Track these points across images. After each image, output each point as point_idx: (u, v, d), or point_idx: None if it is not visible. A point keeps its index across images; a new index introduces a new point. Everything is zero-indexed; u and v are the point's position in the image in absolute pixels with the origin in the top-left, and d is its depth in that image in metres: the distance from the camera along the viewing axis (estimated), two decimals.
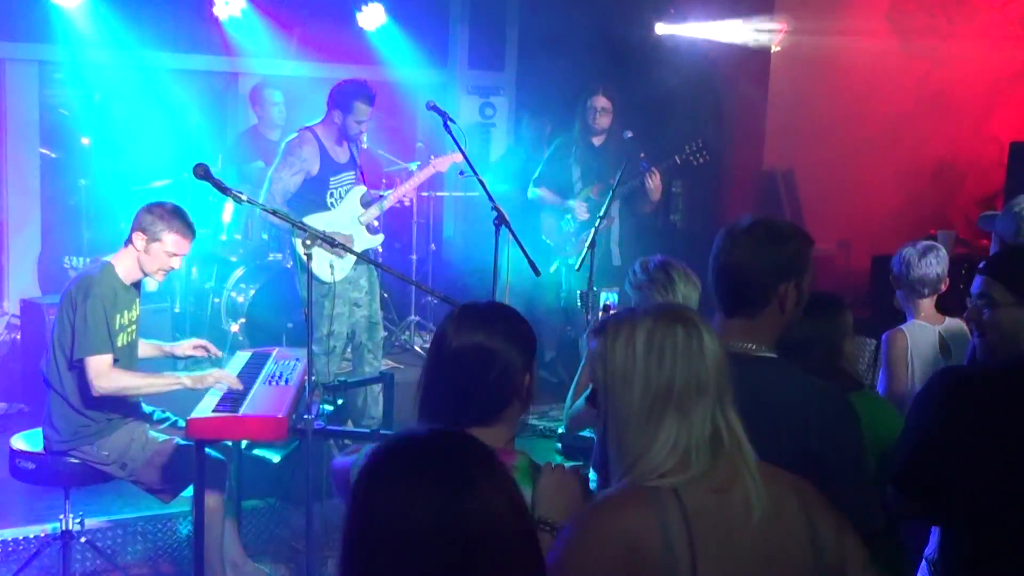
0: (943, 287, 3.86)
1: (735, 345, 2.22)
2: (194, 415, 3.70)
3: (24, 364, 5.93)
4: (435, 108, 4.82)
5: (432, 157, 6.19)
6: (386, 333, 6.70)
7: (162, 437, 4.06)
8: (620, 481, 1.77)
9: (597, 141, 5.99)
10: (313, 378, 3.72)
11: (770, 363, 2.22)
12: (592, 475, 2.89)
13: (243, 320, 6.44)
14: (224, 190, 3.63)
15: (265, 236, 6.80)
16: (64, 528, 4.04)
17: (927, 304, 3.86)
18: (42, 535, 4.33)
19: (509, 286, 5.64)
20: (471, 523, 1.30)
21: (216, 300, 6.59)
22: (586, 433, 4.36)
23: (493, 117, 8.43)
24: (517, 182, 6.83)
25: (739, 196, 7.01)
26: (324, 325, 5.30)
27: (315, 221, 5.03)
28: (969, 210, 6.72)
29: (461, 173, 5.15)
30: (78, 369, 3.85)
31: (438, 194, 7.89)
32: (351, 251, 4.29)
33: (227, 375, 3.99)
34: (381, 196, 5.61)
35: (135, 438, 4.02)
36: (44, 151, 7.11)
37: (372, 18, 7.42)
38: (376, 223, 5.78)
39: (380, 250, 6.42)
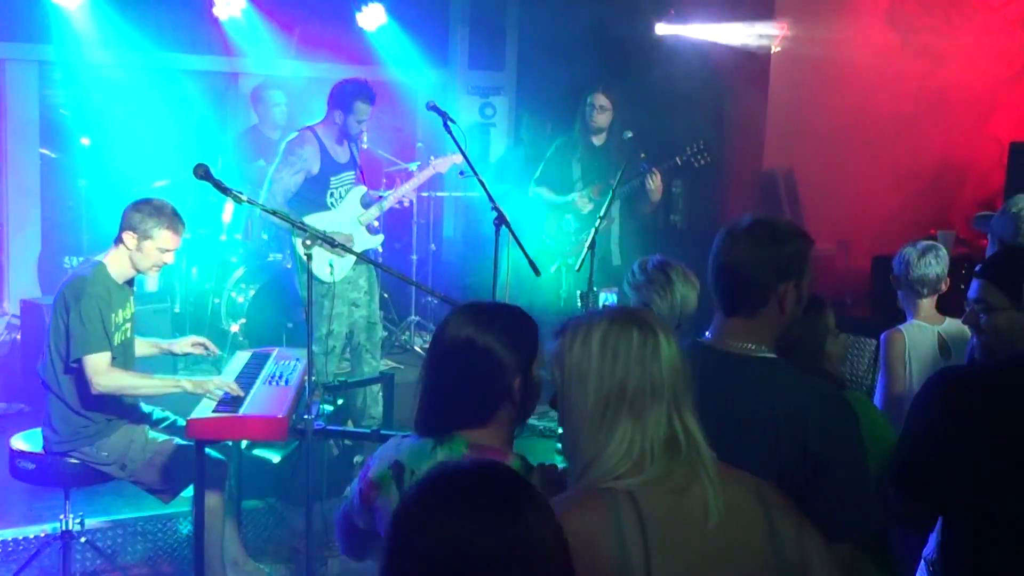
0: (943, 287, 3.86)
1: (734, 345, 2.22)
2: (194, 415, 3.70)
3: (24, 364, 5.93)
4: (435, 108, 4.82)
5: (432, 158, 6.19)
6: (386, 333, 6.70)
7: (162, 437, 4.06)
8: (576, 483, 1.77)
9: (597, 141, 5.99)
10: (313, 378, 3.72)
11: (769, 363, 2.22)
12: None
13: (243, 320, 6.44)
14: (224, 190, 3.63)
15: (265, 236, 6.80)
16: (64, 528, 4.05)
17: (927, 304, 3.86)
18: (42, 535, 4.33)
19: (509, 286, 5.64)
20: (518, 550, 1.31)
21: (216, 300, 6.60)
22: None
23: (493, 117, 8.43)
24: (517, 182, 6.83)
25: (739, 196, 7.00)
26: (323, 325, 5.30)
27: (315, 221, 5.04)
28: (969, 210, 6.70)
29: (461, 173, 5.15)
30: (75, 371, 3.85)
31: (438, 194, 7.89)
32: (351, 251, 4.29)
33: (228, 383, 3.97)
34: (381, 197, 5.62)
35: (134, 439, 4.02)
36: (44, 151, 7.11)
37: (372, 18, 7.43)
38: (376, 223, 5.78)
39: (380, 250, 6.42)
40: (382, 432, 3.94)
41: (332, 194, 5.40)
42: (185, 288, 6.61)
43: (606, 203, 5.11)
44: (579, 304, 5.19)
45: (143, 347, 4.31)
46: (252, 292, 6.50)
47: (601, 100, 5.89)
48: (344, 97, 5.28)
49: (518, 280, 5.54)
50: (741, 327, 2.23)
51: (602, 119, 5.90)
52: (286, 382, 4.07)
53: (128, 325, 4.07)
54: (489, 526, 1.31)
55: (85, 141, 6.94)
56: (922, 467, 2.28)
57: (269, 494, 4.86)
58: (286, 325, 6.48)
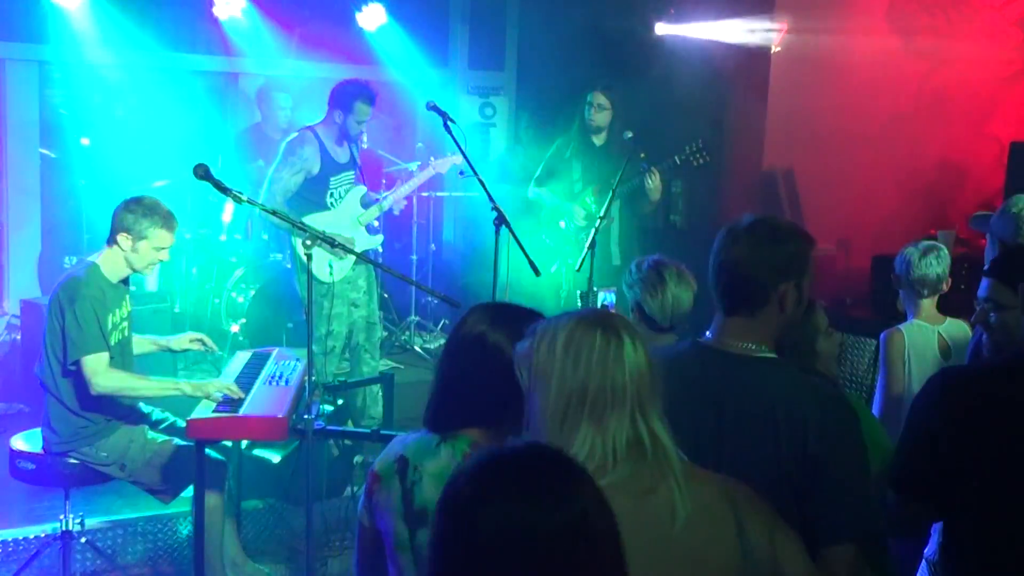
0: (944, 287, 3.85)
1: (734, 345, 2.22)
2: (194, 415, 3.70)
3: (24, 364, 5.93)
4: (435, 108, 4.82)
5: (432, 158, 6.19)
6: (386, 333, 6.70)
7: (161, 438, 4.06)
8: None
9: (597, 141, 5.99)
10: (313, 378, 3.72)
11: (769, 363, 2.21)
12: None
13: (243, 320, 6.44)
14: (224, 190, 3.62)
15: (265, 236, 6.80)
16: (64, 528, 4.05)
17: (928, 304, 3.86)
18: (42, 535, 4.33)
19: (509, 286, 5.63)
20: (576, 531, 1.31)
21: (216, 300, 6.60)
22: None
23: (493, 117, 8.43)
24: (517, 182, 6.83)
25: (739, 196, 7.00)
26: (323, 325, 5.30)
27: (314, 221, 5.04)
28: (969, 210, 6.69)
29: (461, 173, 5.15)
30: (74, 373, 3.84)
31: (438, 194, 7.88)
32: (351, 251, 4.29)
33: (229, 385, 3.97)
34: (381, 197, 5.62)
35: (134, 439, 4.02)
36: (44, 151, 7.11)
37: (372, 18, 7.42)
38: (376, 223, 5.78)
39: (380, 250, 6.42)
40: (382, 432, 3.94)
41: (332, 194, 5.40)
42: (185, 288, 6.61)
43: (606, 203, 5.10)
44: (579, 304, 5.19)
45: (142, 344, 4.31)
46: (252, 292, 6.50)
47: (600, 99, 5.89)
48: (344, 97, 5.28)
49: (518, 280, 5.54)
50: (741, 327, 2.22)
51: (601, 118, 5.90)
52: (286, 382, 4.07)
53: (125, 324, 4.07)
54: (546, 507, 1.30)
55: (85, 141, 6.93)
56: (923, 469, 2.27)
57: (269, 494, 4.86)
58: (286, 325, 6.48)
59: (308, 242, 3.66)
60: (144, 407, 4.22)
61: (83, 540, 4.20)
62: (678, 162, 5.70)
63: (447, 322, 7.55)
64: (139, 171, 6.65)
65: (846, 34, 6.68)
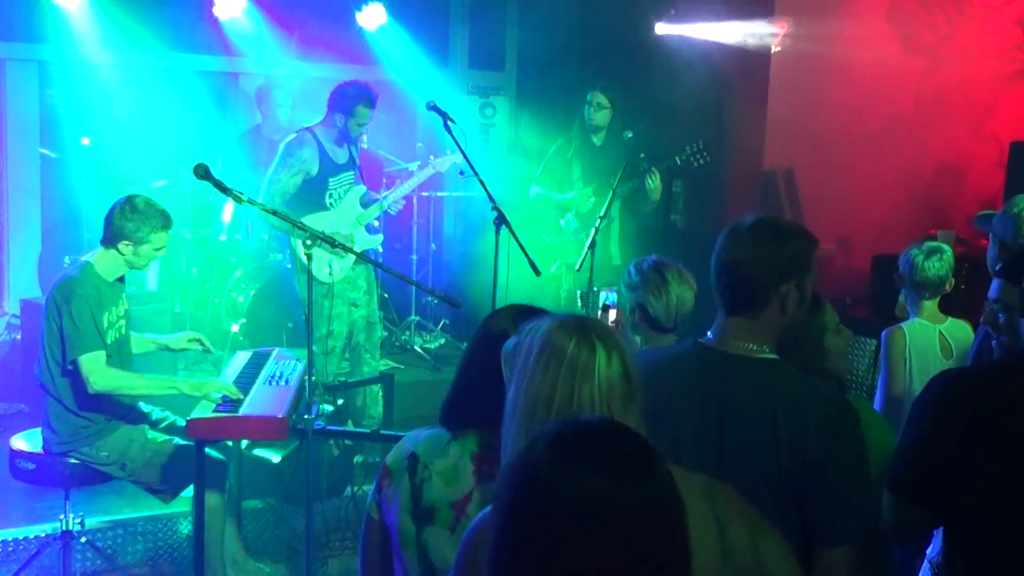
0: (947, 288, 3.87)
1: (735, 345, 2.21)
2: (194, 415, 3.70)
3: (24, 364, 5.93)
4: (435, 108, 4.82)
5: (431, 157, 6.20)
6: (386, 333, 6.70)
7: (161, 437, 4.07)
8: None
9: (597, 140, 5.99)
10: (313, 378, 3.72)
11: (770, 364, 2.20)
12: None
13: (243, 320, 6.44)
14: (224, 190, 3.63)
15: (265, 236, 6.80)
16: (64, 528, 4.05)
17: (930, 304, 3.87)
18: (42, 535, 4.33)
19: (509, 286, 5.63)
20: (653, 505, 1.30)
21: (216, 300, 6.60)
22: None
23: (493, 117, 8.42)
24: (517, 182, 6.83)
25: (739, 196, 7.00)
26: (323, 325, 5.30)
27: (314, 221, 5.03)
28: (969, 210, 6.70)
29: (461, 173, 5.15)
30: (72, 373, 3.85)
31: (438, 194, 7.88)
32: (351, 251, 4.29)
33: (227, 386, 3.97)
34: (380, 197, 5.62)
35: (134, 439, 4.02)
36: (44, 151, 7.11)
37: (372, 18, 7.42)
38: (376, 223, 5.77)
39: (380, 250, 6.42)
40: (382, 432, 3.94)
41: (331, 194, 5.40)
42: (185, 288, 6.61)
43: (606, 202, 5.11)
44: (579, 304, 5.19)
45: (142, 344, 4.31)
46: (252, 292, 6.50)
47: (599, 98, 5.90)
48: (345, 100, 5.28)
49: (518, 280, 5.54)
50: (742, 327, 2.21)
51: (601, 118, 5.90)
52: (286, 382, 4.07)
53: (122, 322, 4.07)
54: (625, 481, 1.28)
55: (85, 141, 6.93)
56: (923, 473, 2.23)
57: (269, 494, 4.86)
58: (286, 325, 6.48)
59: (308, 242, 3.66)
60: (144, 406, 4.22)
61: (83, 540, 4.20)
62: (678, 162, 5.70)
63: (447, 322, 7.55)
64: (139, 171, 6.65)
65: (846, 34, 6.68)
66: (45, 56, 6.94)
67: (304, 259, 3.70)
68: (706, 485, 1.79)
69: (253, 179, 6.40)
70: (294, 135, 5.40)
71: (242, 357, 4.51)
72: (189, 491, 3.97)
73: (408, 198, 6.95)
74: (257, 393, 3.94)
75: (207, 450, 3.79)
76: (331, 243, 3.84)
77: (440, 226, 8.41)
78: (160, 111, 7.08)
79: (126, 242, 3.90)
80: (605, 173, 5.76)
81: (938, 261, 3.80)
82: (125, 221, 3.89)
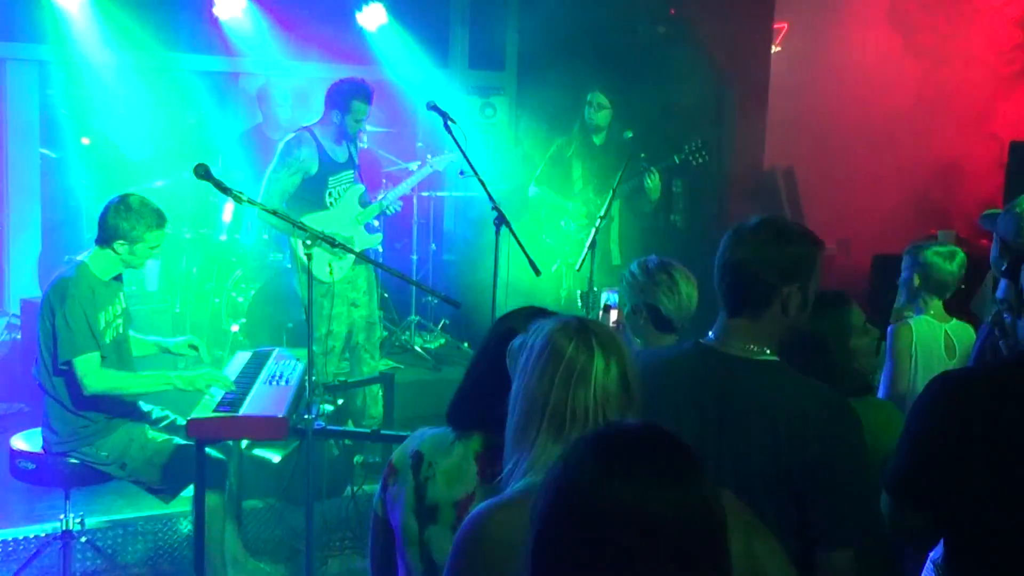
0: (954, 289, 3.91)
1: (736, 346, 2.21)
2: (194, 415, 3.70)
3: (24, 364, 5.93)
4: (435, 108, 4.82)
5: (428, 156, 6.20)
6: (386, 333, 6.70)
7: (161, 437, 4.06)
8: (506, 485, 1.76)
9: (597, 140, 6.00)
10: (313, 378, 3.72)
11: (770, 366, 2.20)
12: None
13: (243, 320, 6.44)
14: (224, 190, 3.63)
15: (265, 236, 6.80)
16: (64, 528, 4.05)
17: (938, 304, 3.90)
18: (42, 535, 4.33)
19: (509, 286, 5.63)
20: (697, 511, 1.28)
21: (216, 300, 6.60)
22: None
23: (493, 117, 8.42)
24: (517, 182, 6.83)
25: (739, 196, 7.00)
26: (323, 325, 5.30)
27: (313, 221, 5.03)
28: (969, 210, 6.70)
29: (461, 173, 5.15)
30: (65, 373, 3.84)
31: (438, 194, 7.88)
32: (351, 251, 4.29)
33: (218, 377, 3.98)
34: (379, 196, 5.62)
35: (134, 438, 4.02)
36: (44, 151, 7.11)
37: (372, 18, 7.42)
38: (376, 223, 5.77)
39: (380, 250, 6.42)
40: (382, 432, 3.95)
41: (330, 193, 5.40)
42: (185, 288, 6.61)
43: (606, 202, 5.11)
44: (579, 304, 5.19)
45: (145, 346, 4.32)
46: (252, 292, 6.50)
47: (599, 99, 5.90)
48: (341, 97, 5.28)
49: (518, 280, 5.54)
50: (744, 328, 2.21)
51: (601, 118, 5.91)
52: (286, 382, 4.07)
53: (120, 321, 4.06)
54: (670, 488, 1.26)
55: (85, 141, 6.93)
56: (921, 474, 2.19)
57: (269, 494, 4.86)
58: (286, 325, 6.48)
59: (308, 242, 3.66)
60: (144, 406, 4.22)
61: (83, 540, 4.20)
62: (677, 162, 5.71)
63: (447, 322, 7.55)
64: (139, 171, 6.65)
65: (846, 34, 6.68)
66: (45, 56, 6.94)
67: (304, 259, 3.70)
68: None
69: (253, 179, 6.41)
70: (293, 134, 5.40)
71: (242, 357, 4.51)
72: (189, 491, 3.97)
73: (408, 198, 6.96)
74: (257, 393, 3.94)
75: (207, 450, 3.79)
76: (331, 243, 3.84)
77: (440, 226, 8.41)
78: (160, 111, 7.08)
79: (121, 241, 3.90)
80: (605, 173, 5.77)
81: (958, 263, 3.85)
82: (120, 220, 3.88)
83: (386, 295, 7.03)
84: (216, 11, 6.95)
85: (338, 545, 4.61)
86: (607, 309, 3.98)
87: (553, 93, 7.43)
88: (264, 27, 7.26)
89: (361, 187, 5.55)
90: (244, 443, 4.57)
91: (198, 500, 3.75)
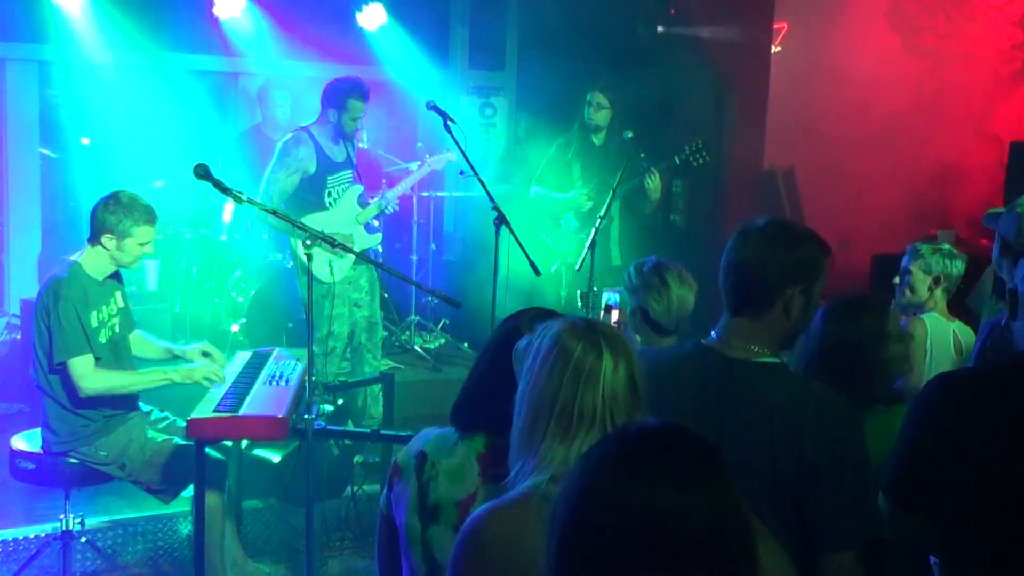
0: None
1: (736, 347, 2.21)
2: (194, 415, 3.70)
3: (24, 364, 5.92)
4: (435, 108, 4.82)
5: (427, 155, 6.20)
6: (386, 333, 6.70)
7: (161, 437, 4.06)
8: (512, 486, 1.76)
9: (597, 140, 5.99)
10: (313, 378, 3.72)
11: (771, 368, 2.19)
12: None
13: (243, 320, 6.44)
14: (224, 190, 3.62)
15: (265, 236, 6.80)
16: (64, 528, 4.05)
17: (943, 302, 3.91)
18: (42, 535, 4.33)
19: (509, 286, 5.63)
20: (722, 514, 1.24)
21: (216, 300, 6.60)
22: None
23: (493, 117, 8.42)
24: (517, 182, 6.83)
25: (739, 196, 7.00)
26: (324, 325, 5.30)
27: (313, 221, 5.03)
28: (969, 210, 6.71)
29: (461, 173, 5.15)
30: (60, 372, 3.84)
31: (438, 194, 7.89)
32: (351, 251, 4.29)
33: (215, 370, 3.98)
34: (379, 196, 5.62)
35: (134, 438, 4.01)
36: (44, 151, 7.11)
37: (372, 18, 7.42)
38: (376, 223, 5.77)
39: (380, 249, 6.42)
40: (382, 432, 3.94)
41: (330, 193, 5.40)
42: (185, 288, 6.61)
43: (606, 202, 5.11)
44: (579, 304, 5.19)
45: (156, 351, 4.30)
46: (252, 292, 6.50)
47: (599, 98, 5.90)
48: (336, 95, 5.29)
49: (518, 280, 5.54)
50: (746, 328, 2.21)
51: (601, 118, 5.91)
52: (286, 382, 4.06)
53: (115, 320, 4.05)
54: (696, 490, 1.23)
55: (85, 141, 6.93)
56: (918, 477, 2.18)
57: (269, 494, 4.86)
58: (286, 325, 6.48)
59: (308, 242, 3.66)
60: (144, 405, 4.22)
61: (83, 540, 4.20)
62: (678, 162, 5.70)
63: (447, 322, 7.55)
64: (139, 171, 6.65)
65: (846, 34, 6.68)
66: (45, 56, 6.94)
67: (304, 259, 3.70)
68: None
69: (253, 179, 6.41)
70: (290, 135, 5.40)
71: (242, 357, 4.51)
72: (189, 491, 3.97)
73: (408, 198, 6.97)
74: (257, 393, 3.94)
75: (207, 450, 3.79)
76: (331, 243, 3.84)
77: (440, 226, 8.41)
78: (160, 111, 7.08)
79: (109, 235, 3.89)
80: (605, 173, 5.76)
81: (963, 262, 3.92)
82: (107, 214, 3.88)
83: (386, 295, 7.03)
84: (216, 11, 6.96)
85: (338, 545, 4.61)
86: (608, 309, 3.98)
87: (553, 93, 7.43)
88: (264, 27, 7.26)
89: (360, 187, 5.55)
90: (244, 443, 4.57)
91: (198, 500, 3.75)
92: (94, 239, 3.93)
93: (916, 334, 3.79)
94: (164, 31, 7.03)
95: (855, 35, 6.71)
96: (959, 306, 4.13)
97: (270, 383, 4.06)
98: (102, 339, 3.91)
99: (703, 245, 6.95)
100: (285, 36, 7.38)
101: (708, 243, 6.89)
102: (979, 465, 2.10)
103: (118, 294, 4.11)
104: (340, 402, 5.21)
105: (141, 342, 4.29)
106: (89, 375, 3.80)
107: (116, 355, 4.02)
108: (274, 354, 4.50)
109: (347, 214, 5.47)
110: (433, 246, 7.82)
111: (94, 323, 3.87)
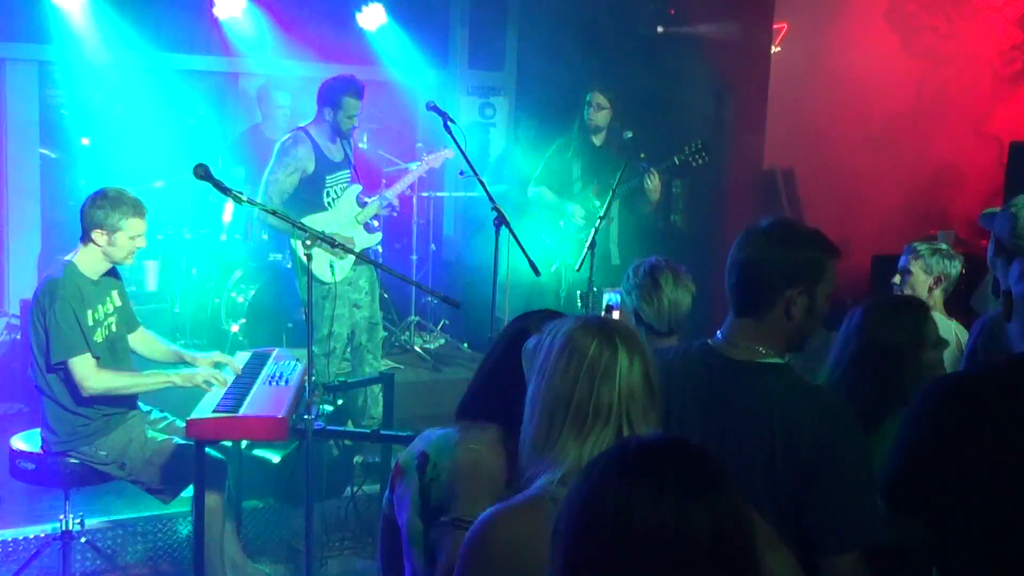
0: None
1: (740, 347, 2.20)
2: (194, 415, 3.70)
3: (24, 364, 5.92)
4: (435, 108, 4.82)
5: (424, 154, 6.20)
6: (386, 333, 6.70)
7: (161, 437, 4.06)
8: (524, 486, 1.76)
9: (597, 141, 5.99)
10: (313, 378, 3.72)
11: (772, 370, 2.19)
12: None
13: (243, 320, 6.44)
14: (224, 190, 3.62)
15: (265, 236, 6.81)
16: (64, 528, 4.05)
17: (941, 302, 3.92)
18: (42, 535, 4.33)
19: (509, 286, 5.64)
20: (728, 525, 1.25)
21: (216, 300, 6.60)
22: None
23: (493, 117, 8.42)
24: (517, 182, 6.83)
25: (739, 196, 7.00)
26: (324, 326, 5.30)
27: (313, 222, 5.03)
28: (969, 210, 6.70)
29: (461, 173, 5.16)
30: (58, 372, 3.84)
31: (438, 194, 7.89)
32: (351, 251, 4.29)
33: (216, 373, 3.98)
34: (377, 195, 5.62)
35: (133, 438, 4.01)
36: (44, 151, 7.10)
37: (372, 18, 7.42)
38: (376, 223, 5.77)
39: (380, 250, 6.42)
40: (382, 432, 3.95)
41: (328, 193, 5.40)
42: (185, 288, 6.61)
43: (606, 203, 5.10)
44: (579, 304, 5.19)
45: (165, 353, 4.29)
46: (252, 292, 6.50)
47: (599, 99, 5.90)
48: (332, 93, 5.29)
49: (518, 280, 5.54)
50: (749, 328, 2.21)
51: (600, 118, 5.91)
52: (286, 382, 4.06)
53: (112, 319, 4.04)
54: (700, 501, 1.23)
55: (85, 141, 6.93)
56: (915, 480, 2.17)
57: (269, 494, 4.86)
58: (286, 325, 6.48)
59: (308, 242, 3.66)
60: (143, 405, 4.22)
61: (83, 540, 4.20)
62: (677, 162, 5.70)
63: (447, 322, 7.55)
64: (139, 171, 6.65)
65: (846, 34, 6.68)
66: (45, 56, 6.94)
67: (304, 259, 3.70)
68: None
69: (253, 179, 6.41)
70: (288, 135, 5.40)
71: (242, 357, 4.51)
72: (189, 491, 3.97)
73: (408, 198, 6.97)
74: (257, 393, 3.94)
75: (207, 450, 3.79)
76: (331, 243, 3.84)
77: (440, 226, 8.41)
78: (160, 111, 7.08)
79: (99, 231, 3.90)
80: (605, 173, 5.76)
81: (961, 263, 3.93)
82: (95, 210, 3.90)
83: (386, 295, 7.03)
84: (216, 11, 6.96)
85: (338, 545, 4.61)
86: (609, 310, 3.99)
87: (553, 93, 7.43)
88: (264, 27, 7.26)
89: (358, 186, 5.55)
90: (244, 443, 4.57)
91: (197, 500, 3.75)
92: (86, 237, 3.94)
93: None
94: (164, 31, 7.03)
95: (855, 35, 6.71)
96: (959, 306, 4.14)
97: (270, 383, 4.06)
98: (98, 338, 3.91)
99: (703, 245, 6.95)
100: (285, 36, 7.37)
101: (708, 243, 6.90)
102: (975, 468, 2.09)
103: (115, 293, 4.11)
104: (340, 402, 5.21)
105: (149, 342, 4.29)
106: (91, 375, 3.79)
107: (113, 355, 4.02)
108: (274, 354, 4.50)
109: (347, 214, 5.47)
110: (433, 246, 7.82)
111: (90, 322, 3.87)
